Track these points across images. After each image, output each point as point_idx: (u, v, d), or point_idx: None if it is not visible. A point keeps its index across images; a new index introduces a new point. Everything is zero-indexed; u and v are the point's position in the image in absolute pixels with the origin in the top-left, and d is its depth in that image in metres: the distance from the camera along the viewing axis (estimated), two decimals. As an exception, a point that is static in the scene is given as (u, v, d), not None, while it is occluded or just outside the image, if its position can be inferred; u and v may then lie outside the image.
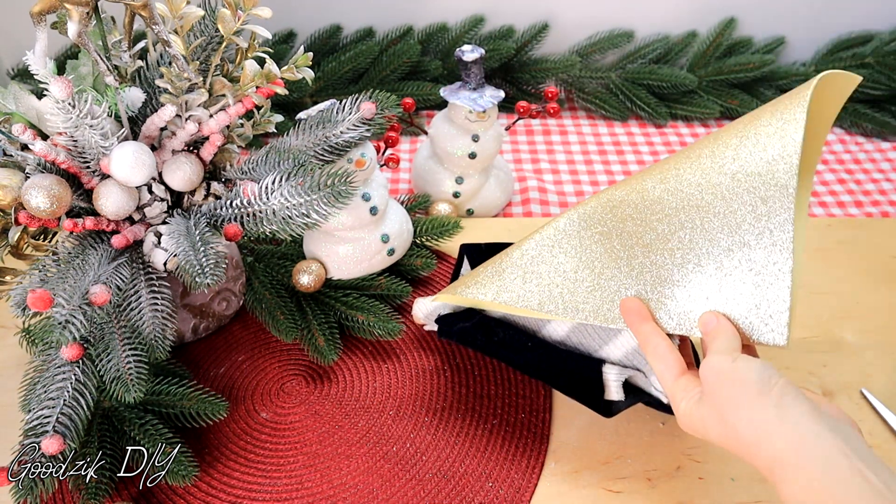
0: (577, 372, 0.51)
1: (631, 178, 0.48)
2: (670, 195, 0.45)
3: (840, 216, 0.91)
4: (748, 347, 0.43)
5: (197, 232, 0.49)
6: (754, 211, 0.41)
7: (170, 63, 0.53)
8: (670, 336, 0.44)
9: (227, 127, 0.57)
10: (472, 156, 0.79)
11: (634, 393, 0.51)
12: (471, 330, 0.54)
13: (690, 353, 0.48)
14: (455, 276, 0.63)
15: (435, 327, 0.57)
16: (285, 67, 0.54)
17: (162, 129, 0.54)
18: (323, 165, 0.54)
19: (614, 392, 0.50)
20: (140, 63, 0.54)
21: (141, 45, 0.54)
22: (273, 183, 0.50)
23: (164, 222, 0.53)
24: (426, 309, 0.59)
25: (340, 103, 0.57)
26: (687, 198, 0.44)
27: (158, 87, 0.52)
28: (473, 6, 1.09)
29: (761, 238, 0.41)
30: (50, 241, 0.54)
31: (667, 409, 0.50)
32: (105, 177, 0.50)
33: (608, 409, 0.50)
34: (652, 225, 0.45)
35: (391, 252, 0.67)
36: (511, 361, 0.53)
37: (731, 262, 0.42)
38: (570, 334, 0.53)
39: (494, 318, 0.55)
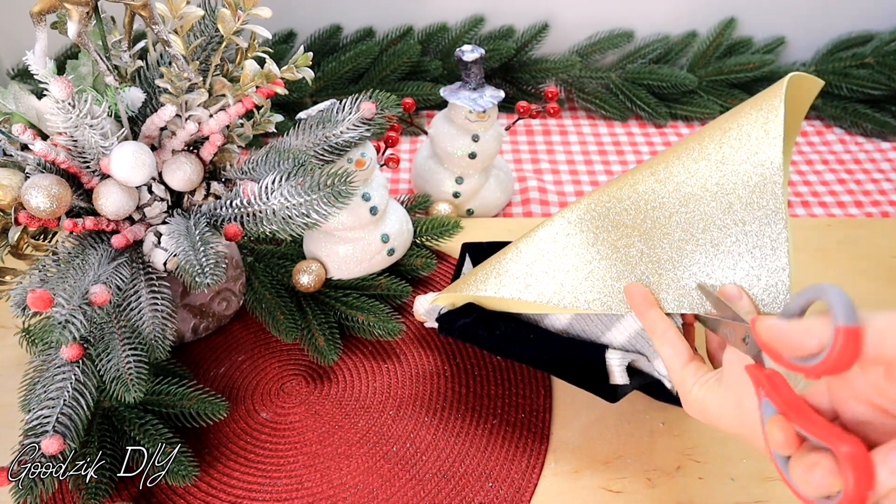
0: (580, 360, 0.51)
1: (620, 178, 0.49)
2: (661, 185, 0.46)
3: (840, 216, 0.91)
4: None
5: (197, 232, 0.49)
6: (745, 187, 0.43)
7: (170, 63, 0.53)
8: (670, 315, 0.45)
9: (227, 127, 0.57)
10: (472, 156, 0.79)
11: (638, 376, 0.51)
12: (472, 325, 0.54)
13: (693, 338, 0.48)
14: (457, 275, 0.63)
15: (435, 324, 0.57)
16: (285, 67, 0.55)
17: (162, 129, 0.54)
18: (323, 165, 0.54)
19: (618, 376, 0.50)
20: (140, 63, 0.54)
21: (141, 45, 0.54)
22: (273, 183, 0.50)
23: (164, 222, 0.53)
24: (427, 305, 0.59)
25: (340, 103, 0.57)
26: (677, 186, 0.46)
27: (158, 87, 0.52)
28: (473, 6, 1.09)
29: (754, 212, 0.43)
30: (50, 241, 0.54)
31: (668, 393, 0.50)
32: (105, 177, 0.50)
33: (613, 393, 0.50)
34: (647, 214, 0.47)
35: (391, 252, 0.68)
36: (514, 354, 0.53)
37: (728, 238, 0.44)
38: (573, 322, 0.53)
39: (496, 313, 0.55)
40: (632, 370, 0.51)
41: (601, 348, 0.51)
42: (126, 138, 0.51)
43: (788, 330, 0.31)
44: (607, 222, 0.48)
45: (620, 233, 0.47)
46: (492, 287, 0.51)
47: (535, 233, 0.51)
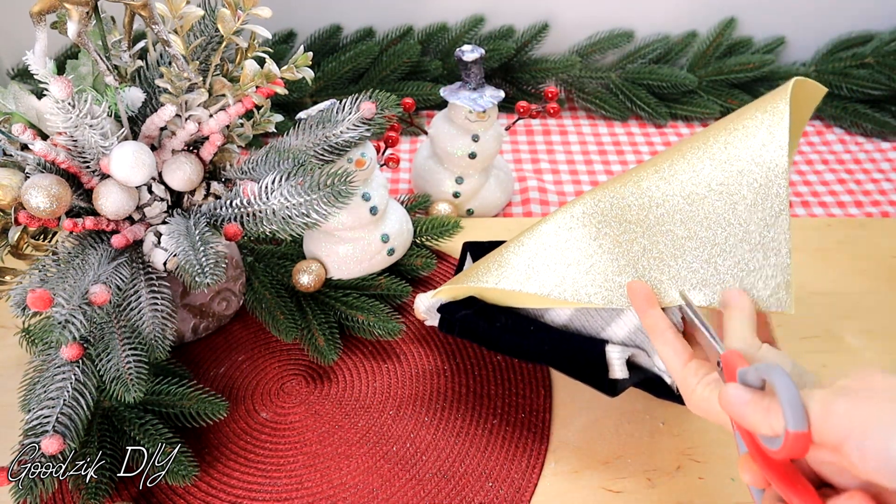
0: (580, 353, 0.51)
1: (623, 175, 0.50)
2: (666, 183, 0.47)
3: (840, 216, 0.91)
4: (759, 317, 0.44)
5: (197, 232, 0.49)
6: (749, 188, 0.44)
7: (170, 63, 0.53)
8: (664, 310, 0.46)
9: (227, 127, 0.57)
10: (472, 156, 0.79)
11: (637, 371, 0.51)
12: (473, 317, 0.54)
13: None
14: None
15: (436, 322, 0.57)
16: (285, 67, 0.55)
17: (162, 129, 0.54)
18: (323, 165, 0.54)
19: (618, 370, 0.50)
20: (140, 63, 0.54)
21: (141, 45, 0.54)
22: (273, 183, 0.50)
23: (164, 222, 0.53)
24: (427, 303, 0.58)
25: (340, 103, 0.57)
26: (682, 184, 0.46)
27: (158, 86, 0.52)
28: (473, 6, 1.09)
29: (757, 213, 0.44)
30: (50, 241, 0.54)
31: (668, 390, 0.50)
32: (105, 177, 0.50)
33: (613, 388, 0.50)
34: (651, 210, 0.47)
35: (391, 252, 0.68)
36: (514, 346, 0.53)
37: (731, 237, 0.44)
38: (573, 318, 0.53)
39: (497, 306, 0.55)
40: (631, 365, 0.51)
41: (601, 342, 0.51)
42: (126, 138, 0.51)
43: (746, 412, 0.33)
44: (610, 218, 0.48)
45: (623, 228, 0.48)
46: (493, 279, 0.51)
47: (537, 227, 0.51)
